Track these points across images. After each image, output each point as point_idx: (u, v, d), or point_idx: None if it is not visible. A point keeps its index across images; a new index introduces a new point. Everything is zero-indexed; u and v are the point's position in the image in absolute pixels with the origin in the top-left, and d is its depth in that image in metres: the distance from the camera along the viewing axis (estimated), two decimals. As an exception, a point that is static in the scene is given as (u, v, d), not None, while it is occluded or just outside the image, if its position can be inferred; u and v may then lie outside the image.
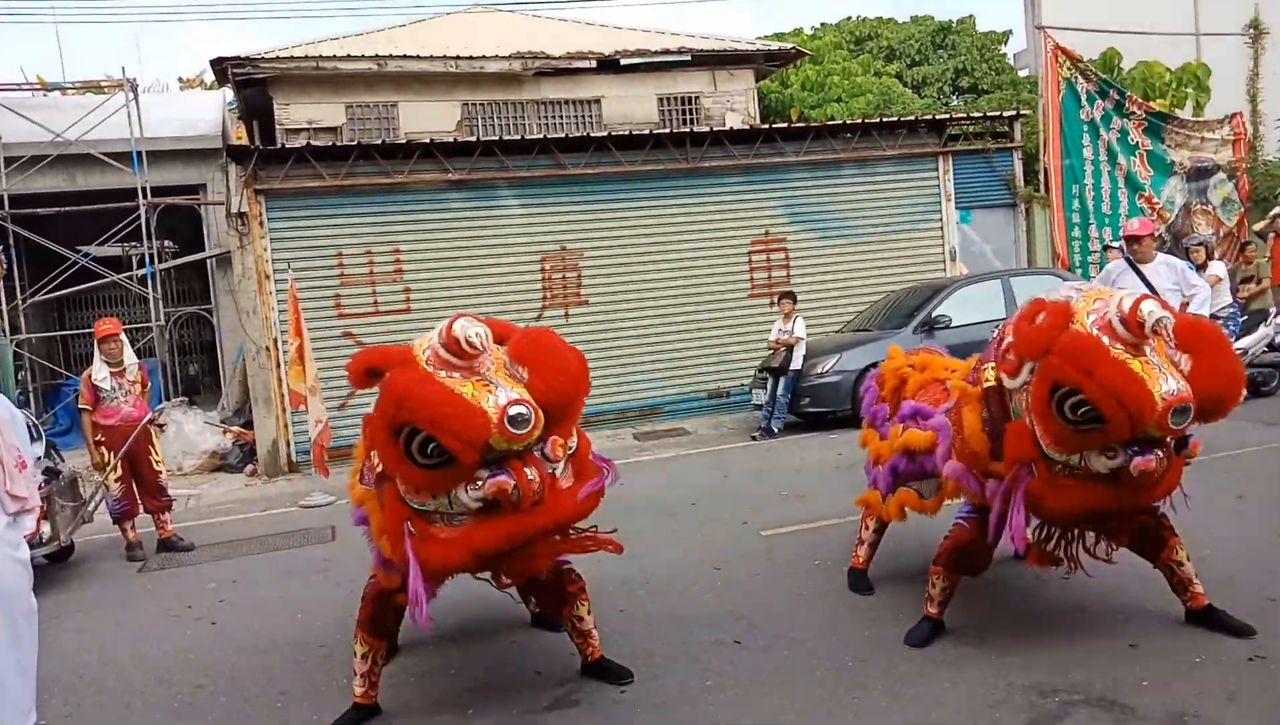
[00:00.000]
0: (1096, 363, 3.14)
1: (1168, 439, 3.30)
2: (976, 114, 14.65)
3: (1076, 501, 3.42)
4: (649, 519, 6.80)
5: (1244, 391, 3.45)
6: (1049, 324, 3.30)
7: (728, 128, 13.52)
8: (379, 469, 3.50)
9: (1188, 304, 8.03)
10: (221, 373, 15.30)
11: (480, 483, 3.16)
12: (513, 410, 3.08)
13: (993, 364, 3.65)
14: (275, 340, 11.09)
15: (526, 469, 3.19)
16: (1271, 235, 12.34)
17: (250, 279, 11.16)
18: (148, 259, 13.82)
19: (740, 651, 4.13)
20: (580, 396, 3.39)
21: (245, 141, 14.85)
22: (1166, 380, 3.16)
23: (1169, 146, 14.90)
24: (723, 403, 12.66)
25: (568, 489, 3.37)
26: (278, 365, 11.09)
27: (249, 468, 11.29)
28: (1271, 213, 12.54)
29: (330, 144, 11.85)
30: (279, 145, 12.50)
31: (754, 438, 10.51)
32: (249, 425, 11.71)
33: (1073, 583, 4.56)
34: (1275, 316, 9.90)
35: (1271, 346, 9.65)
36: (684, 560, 5.60)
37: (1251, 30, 16.94)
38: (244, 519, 8.56)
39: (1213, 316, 8.78)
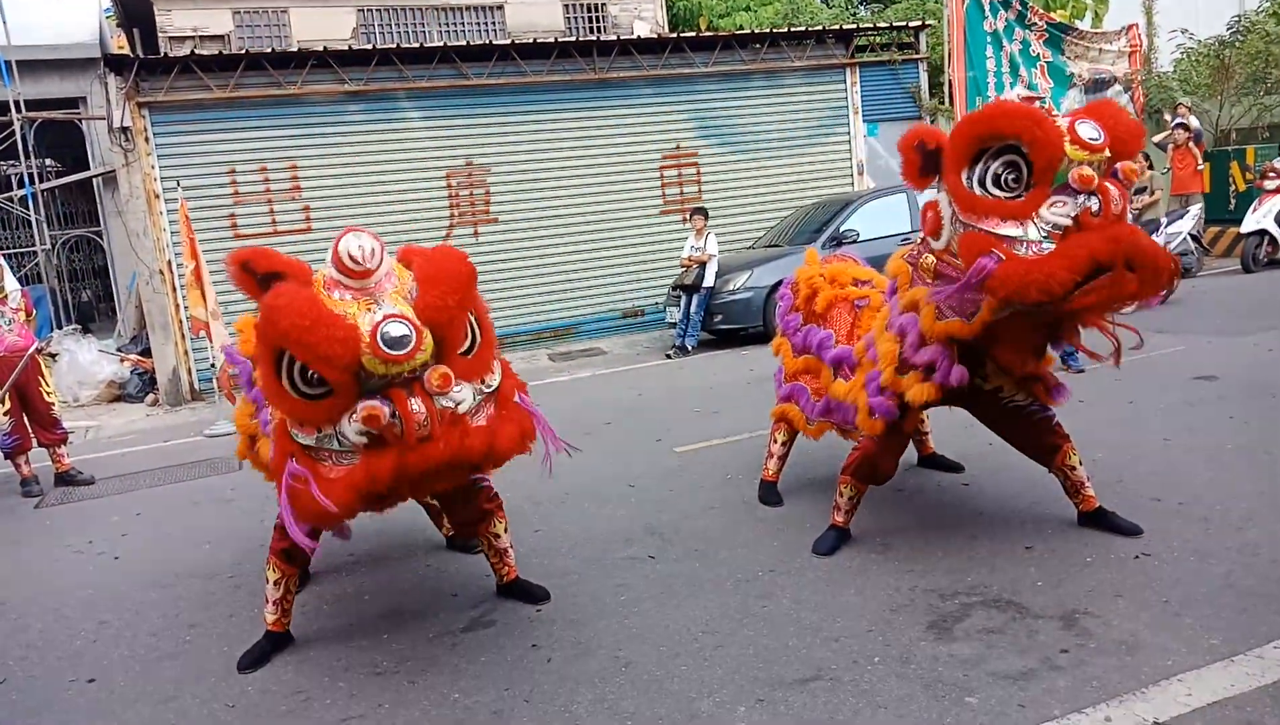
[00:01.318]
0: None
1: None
2: (883, 25, 14.61)
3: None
4: (565, 439, 6.80)
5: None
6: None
7: (636, 37, 13.23)
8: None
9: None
10: (116, 298, 14.62)
11: (355, 412, 2.78)
12: (388, 326, 2.71)
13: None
14: (170, 263, 10.65)
15: (411, 399, 2.78)
16: (1171, 146, 12.71)
17: (138, 199, 10.63)
18: (26, 178, 13.02)
19: (654, 565, 4.19)
20: (460, 307, 2.93)
21: (126, 51, 13.97)
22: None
23: (1068, 58, 15.09)
24: (638, 322, 12.67)
25: (479, 425, 2.97)
26: (174, 289, 10.68)
27: (150, 397, 10.92)
28: (1174, 123, 12.87)
29: (217, 53, 11.22)
30: (162, 54, 11.81)
31: (668, 356, 10.57)
32: (147, 353, 11.29)
33: (973, 490, 4.74)
34: (1165, 226, 10.26)
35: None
36: (599, 479, 5.63)
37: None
38: (146, 450, 8.30)
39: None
